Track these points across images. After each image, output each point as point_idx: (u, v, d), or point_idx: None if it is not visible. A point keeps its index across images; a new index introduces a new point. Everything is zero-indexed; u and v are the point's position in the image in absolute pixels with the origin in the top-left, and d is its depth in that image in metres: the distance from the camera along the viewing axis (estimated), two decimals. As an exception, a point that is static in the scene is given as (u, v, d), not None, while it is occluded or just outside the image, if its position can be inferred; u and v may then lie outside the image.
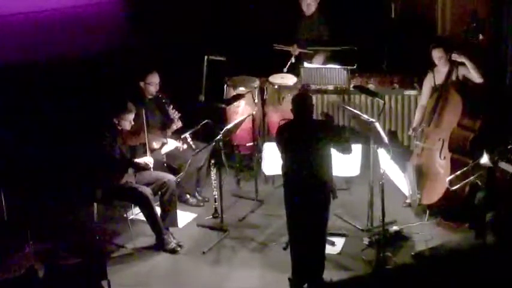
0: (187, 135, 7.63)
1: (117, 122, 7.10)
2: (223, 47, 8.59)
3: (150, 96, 7.69)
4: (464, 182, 6.90)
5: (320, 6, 8.50)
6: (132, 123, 7.17)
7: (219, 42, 9.15)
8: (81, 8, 11.46)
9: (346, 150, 6.47)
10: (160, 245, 7.20)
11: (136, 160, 7.15)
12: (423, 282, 6.69)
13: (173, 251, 7.18)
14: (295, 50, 8.46)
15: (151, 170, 7.22)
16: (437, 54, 7.48)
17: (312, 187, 6.33)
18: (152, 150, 7.43)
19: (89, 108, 8.31)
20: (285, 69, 8.43)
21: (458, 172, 7.00)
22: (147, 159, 7.15)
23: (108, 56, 9.85)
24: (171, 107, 7.72)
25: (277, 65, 8.47)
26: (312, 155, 6.30)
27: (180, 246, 7.24)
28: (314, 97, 8.17)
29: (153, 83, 7.64)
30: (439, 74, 7.56)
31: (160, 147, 7.55)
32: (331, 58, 8.49)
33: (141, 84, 7.64)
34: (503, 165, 6.70)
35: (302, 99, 6.46)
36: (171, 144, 7.59)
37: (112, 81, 9.05)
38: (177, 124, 7.73)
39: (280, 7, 9.13)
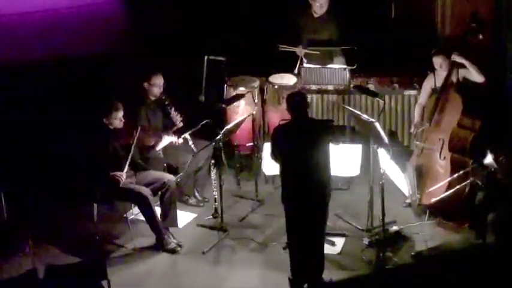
0: (187, 135, 7.62)
1: (107, 122, 7.09)
2: (223, 47, 8.59)
3: (153, 98, 7.68)
4: (445, 194, 6.96)
5: (330, 7, 8.45)
6: (123, 120, 7.13)
7: (219, 42, 9.15)
8: (80, 8, 11.47)
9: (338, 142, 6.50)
10: (160, 245, 7.20)
11: (112, 173, 7.03)
12: (423, 282, 6.69)
13: (173, 251, 7.18)
14: (301, 51, 8.44)
15: (120, 185, 7.06)
16: (438, 61, 7.50)
17: (310, 188, 6.33)
18: (149, 148, 7.41)
19: (85, 109, 8.33)
20: (296, 71, 8.42)
21: (448, 192, 7.04)
22: (119, 174, 7.01)
23: (107, 56, 9.86)
24: (173, 109, 7.70)
25: (280, 66, 8.48)
26: (310, 155, 6.30)
27: (180, 246, 7.24)
28: (314, 97, 8.26)
29: (157, 85, 7.61)
30: (440, 76, 7.56)
31: (156, 144, 7.54)
32: (330, 58, 8.49)
33: (145, 85, 7.62)
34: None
35: (296, 98, 6.46)
36: (166, 140, 7.57)
37: (110, 82, 9.07)
38: (178, 125, 7.73)
39: (283, 7, 9.11)
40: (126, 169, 7.07)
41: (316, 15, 8.45)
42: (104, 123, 7.07)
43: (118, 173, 7.00)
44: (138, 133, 7.12)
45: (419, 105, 7.75)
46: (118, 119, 7.09)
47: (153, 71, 7.65)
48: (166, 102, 7.69)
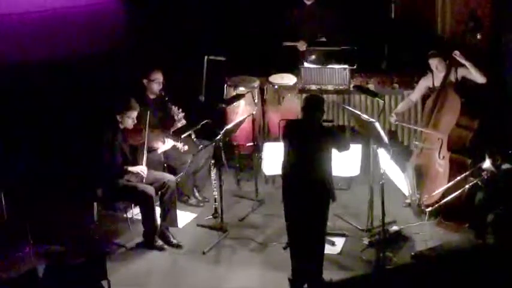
0: (191, 133, 7.62)
1: (120, 120, 7.09)
2: (223, 47, 8.59)
3: (153, 96, 7.69)
4: (445, 200, 6.97)
5: None
6: (135, 121, 7.16)
7: (219, 42, 9.15)
8: (80, 8, 11.47)
9: (344, 148, 6.46)
10: (148, 243, 7.18)
11: (130, 168, 7.12)
12: (423, 282, 6.68)
13: (161, 249, 7.17)
14: (302, 46, 8.50)
15: (144, 179, 7.16)
16: (434, 63, 7.52)
17: (311, 185, 6.33)
18: (152, 150, 7.43)
19: (90, 107, 8.33)
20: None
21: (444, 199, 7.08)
22: (141, 168, 7.12)
23: (108, 56, 9.86)
24: (174, 105, 7.71)
25: (280, 65, 8.49)
26: (314, 154, 6.30)
27: (179, 246, 7.24)
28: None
29: (156, 80, 7.64)
30: (438, 76, 7.57)
31: (158, 147, 7.54)
32: (330, 57, 8.49)
33: (145, 81, 7.64)
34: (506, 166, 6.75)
35: (309, 99, 6.47)
36: (169, 144, 7.58)
37: (112, 81, 9.07)
38: (181, 122, 7.74)
39: (282, 5, 9.13)
40: (144, 162, 7.12)
41: (308, 3, 8.55)
42: (116, 120, 7.07)
43: (139, 167, 7.06)
44: (147, 131, 7.16)
45: (408, 100, 7.83)
46: (131, 119, 7.11)
47: (152, 67, 7.67)
48: (166, 98, 7.70)
